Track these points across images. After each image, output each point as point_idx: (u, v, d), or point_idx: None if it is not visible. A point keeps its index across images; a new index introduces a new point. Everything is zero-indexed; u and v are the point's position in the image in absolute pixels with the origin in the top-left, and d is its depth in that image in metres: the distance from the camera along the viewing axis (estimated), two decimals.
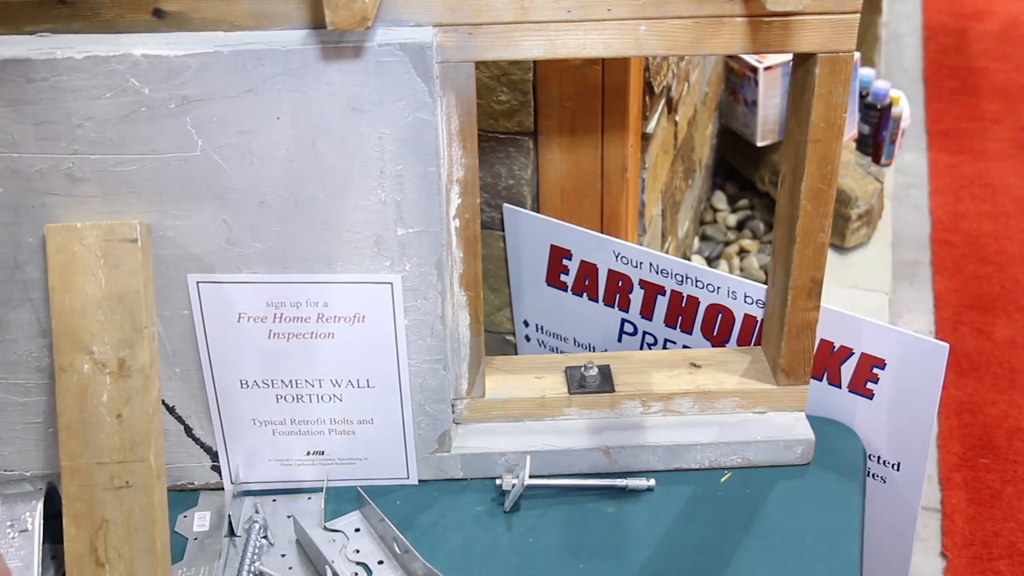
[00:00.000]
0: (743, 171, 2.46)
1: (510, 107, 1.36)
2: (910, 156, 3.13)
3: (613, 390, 1.19)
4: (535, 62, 1.33)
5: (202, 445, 1.15)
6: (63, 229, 1.00)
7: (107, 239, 1.00)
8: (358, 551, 1.10)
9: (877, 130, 2.60)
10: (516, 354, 1.52)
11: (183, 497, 1.16)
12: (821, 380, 1.24)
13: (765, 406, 1.20)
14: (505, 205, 1.38)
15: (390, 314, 1.08)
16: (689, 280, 1.28)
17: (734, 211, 2.43)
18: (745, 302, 1.25)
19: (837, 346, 1.21)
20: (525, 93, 1.35)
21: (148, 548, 1.01)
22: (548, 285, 1.39)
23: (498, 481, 1.15)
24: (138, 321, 1.01)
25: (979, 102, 3.42)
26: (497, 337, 1.57)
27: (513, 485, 1.13)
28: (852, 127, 2.53)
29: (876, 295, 2.26)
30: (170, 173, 1.00)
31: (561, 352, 1.45)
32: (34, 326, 1.06)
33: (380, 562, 1.09)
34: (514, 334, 1.50)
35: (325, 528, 1.13)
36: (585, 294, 1.37)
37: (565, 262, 1.36)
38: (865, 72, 2.59)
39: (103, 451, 1.01)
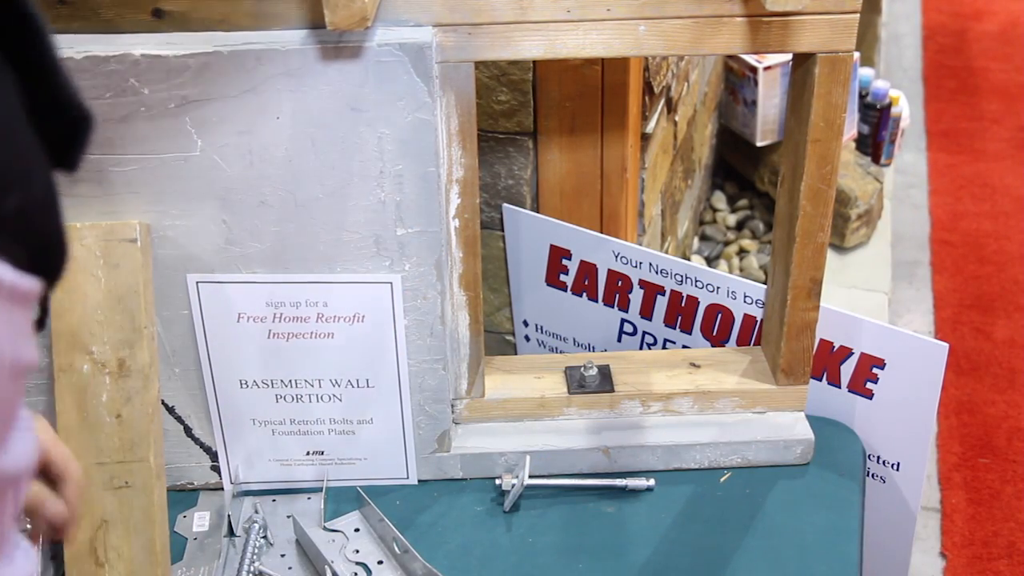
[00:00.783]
0: (743, 171, 2.46)
1: (510, 107, 1.36)
2: (909, 156, 3.13)
3: (613, 390, 1.19)
4: (535, 62, 1.32)
5: (202, 445, 1.15)
6: None
7: (107, 239, 1.00)
8: (358, 551, 1.10)
9: (877, 130, 2.60)
10: (516, 354, 1.51)
11: (183, 497, 1.16)
12: (821, 380, 1.24)
13: (765, 406, 1.20)
14: (505, 205, 1.38)
15: (390, 314, 1.08)
16: (689, 280, 1.28)
17: (734, 211, 2.43)
18: (745, 302, 1.25)
19: (837, 346, 1.21)
20: (525, 93, 1.35)
21: (148, 548, 1.01)
22: (548, 285, 1.39)
23: (498, 481, 1.15)
24: (137, 321, 1.01)
25: (979, 102, 3.42)
26: (497, 337, 1.57)
27: (513, 485, 1.13)
28: (852, 127, 2.53)
29: (876, 295, 2.26)
30: (170, 173, 1.00)
31: (561, 352, 1.45)
32: None
33: (380, 562, 1.09)
34: (514, 334, 1.50)
35: (325, 528, 1.13)
36: (585, 294, 1.37)
37: (565, 262, 1.36)
38: (865, 72, 2.59)
39: (103, 451, 1.01)
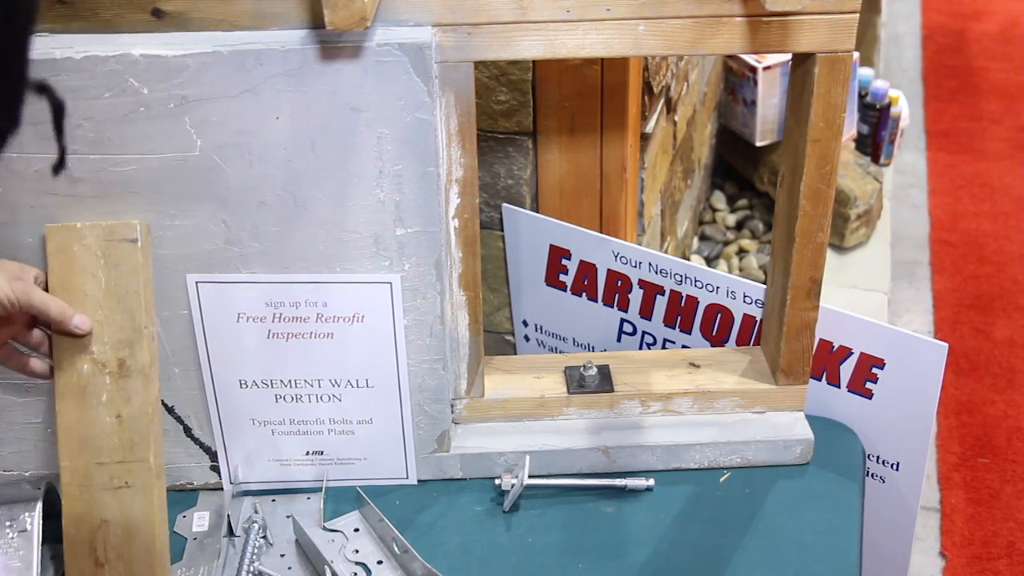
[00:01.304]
0: (742, 171, 2.46)
1: (509, 107, 1.36)
2: (909, 156, 3.13)
3: (612, 390, 1.19)
4: (534, 62, 1.33)
5: (201, 445, 1.15)
6: (63, 229, 1.00)
7: (107, 239, 1.00)
8: (357, 551, 1.10)
9: (876, 130, 2.60)
10: (515, 354, 1.52)
11: (182, 497, 1.16)
12: (820, 380, 1.24)
13: (764, 406, 1.20)
14: (504, 205, 1.38)
15: (389, 314, 1.08)
16: (688, 280, 1.28)
17: (733, 211, 2.43)
18: (744, 302, 1.25)
19: (836, 346, 1.21)
20: (524, 93, 1.35)
21: (147, 548, 1.01)
22: (547, 285, 1.39)
23: (497, 481, 1.15)
24: (138, 321, 1.01)
25: (978, 102, 3.43)
26: (496, 337, 1.57)
27: (512, 485, 1.13)
28: (851, 127, 2.53)
29: (875, 295, 2.26)
30: (169, 173, 1.00)
31: (560, 352, 1.45)
32: None
33: (379, 562, 1.09)
34: (513, 334, 1.50)
35: (324, 528, 1.13)
36: (584, 294, 1.37)
37: (564, 262, 1.36)
38: (864, 72, 2.59)
39: (102, 451, 1.01)
